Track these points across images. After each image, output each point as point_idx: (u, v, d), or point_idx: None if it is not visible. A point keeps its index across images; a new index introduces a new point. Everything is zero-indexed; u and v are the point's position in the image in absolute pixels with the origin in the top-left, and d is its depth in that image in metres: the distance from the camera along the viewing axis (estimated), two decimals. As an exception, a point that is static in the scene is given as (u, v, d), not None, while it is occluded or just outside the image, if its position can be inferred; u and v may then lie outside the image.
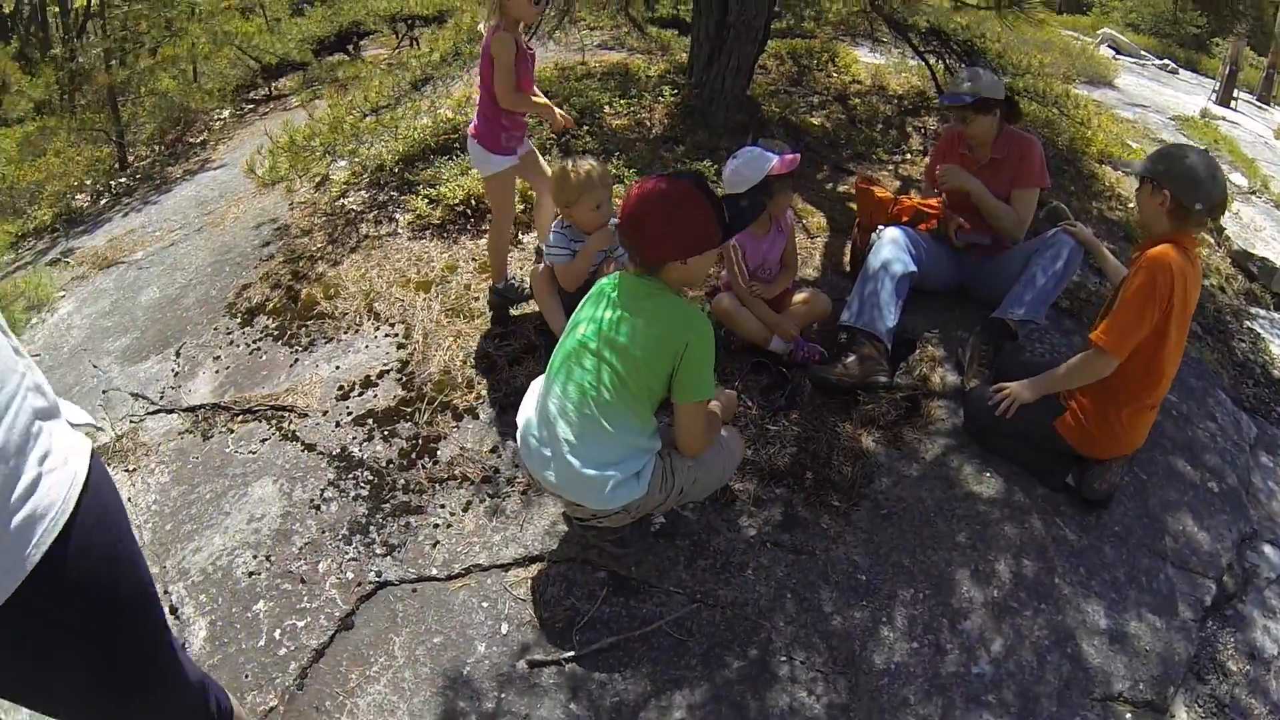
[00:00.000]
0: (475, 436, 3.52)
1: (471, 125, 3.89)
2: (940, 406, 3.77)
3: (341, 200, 5.21)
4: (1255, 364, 4.83)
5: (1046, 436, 3.35)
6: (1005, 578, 3.07)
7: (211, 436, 3.71)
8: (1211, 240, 6.06)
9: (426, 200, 4.88)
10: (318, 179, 5.48)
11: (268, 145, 4.90)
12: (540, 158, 4.19)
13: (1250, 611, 3.25)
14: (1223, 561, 3.34)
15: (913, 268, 3.96)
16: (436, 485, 3.32)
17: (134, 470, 3.61)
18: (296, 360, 4.02)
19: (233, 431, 3.70)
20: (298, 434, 3.61)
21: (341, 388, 3.80)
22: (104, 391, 4.13)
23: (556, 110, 3.92)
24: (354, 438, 3.55)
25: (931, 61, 6.81)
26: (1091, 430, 3.23)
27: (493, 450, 3.45)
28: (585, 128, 5.47)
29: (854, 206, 4.92)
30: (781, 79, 7.02)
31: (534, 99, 3.82)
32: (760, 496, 3.29)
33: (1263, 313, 5.56)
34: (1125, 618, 3.02)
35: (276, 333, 4.21)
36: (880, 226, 4.22)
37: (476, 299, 4.21)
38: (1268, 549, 3.53)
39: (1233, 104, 11.36)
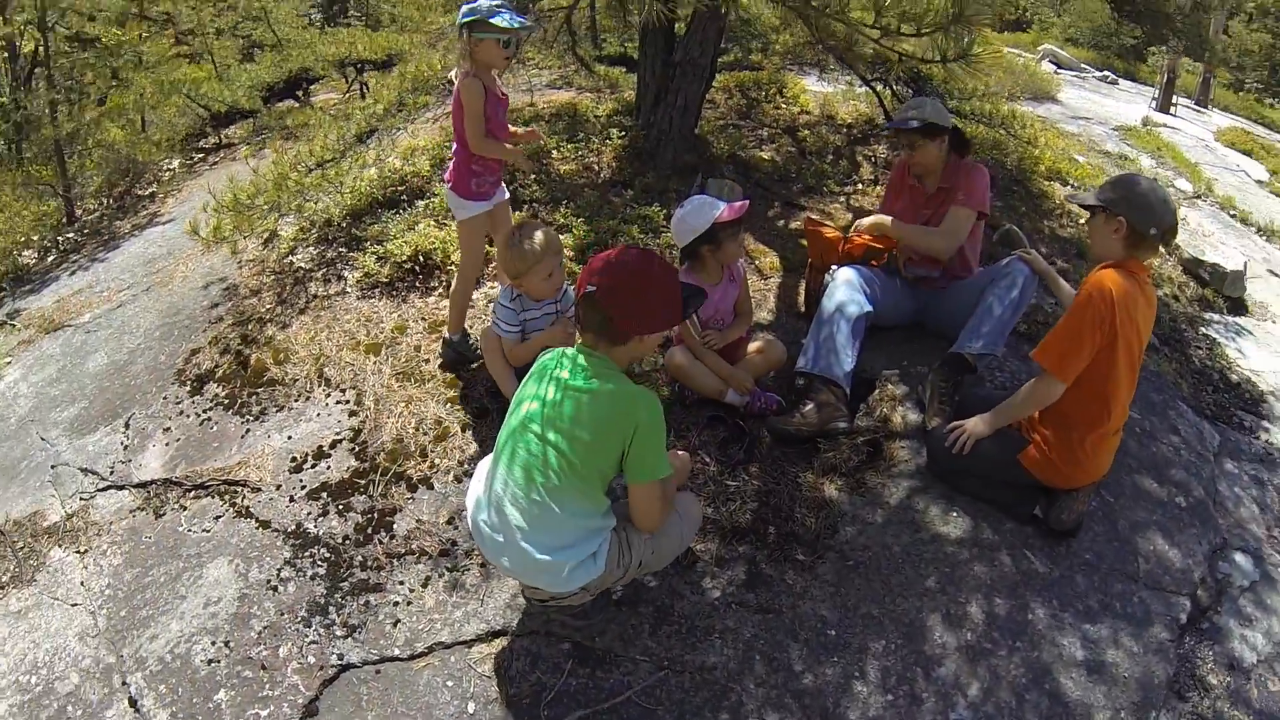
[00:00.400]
0: (431, 508, 3.46)
1: (446, 171, 3.88)
2: (902, 447, 3.74)
3: (290, 258, 5.14)
4: (1213, 370, 4.89)
5: (1012, 471, 3.32)
6: (978, 619, 3.05)
7: (164, 514, 3.61)
8: (1162, 250, 6.11)
9: (375, 257, 4.82)
10: (265, 235, 5.40)
11: (211, 204, 4.81)
12: (509, 211, 4.16)
13: (1226, 622, 3.27)
14: (1195, 576, 3.36)
15: (868, 307, 3.94)
16: (394, 561, 3.26)
17: (85, 552, 3.52)
18: (248, 430, 3.94)
19: (185, 509, 3.61)
20: (251, 510, 3.53)
21: (294, 459, 3.72)
22: (53, 466, 4.02)
23: (519, 152, 3.88)
24: (309, 513, 3.48)
25: (879, 89, 6.86)
26: (1056, 461, 3.22)
27: (449, 522, 3.39)
28: (533, 175, 5.43)
29: (803, 243, 4.91)
30: (730, 112, 7.03)
31: (505, 145, 3.79)
32: (723, 556, 3.25)
33: (1216, 317, 5.65)
34: (1102, 646, 3.01)
35: (227, 401, 4.13)
36: (834, 266, 4.21)
37: (427, 360, 4.15)
38: (1239, 557, 3.56)
39: (1172, 110, 11.60)
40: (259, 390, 4.13)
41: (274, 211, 4.90)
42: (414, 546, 3.31)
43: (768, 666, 2.88)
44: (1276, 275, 6.49)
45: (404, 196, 5.41)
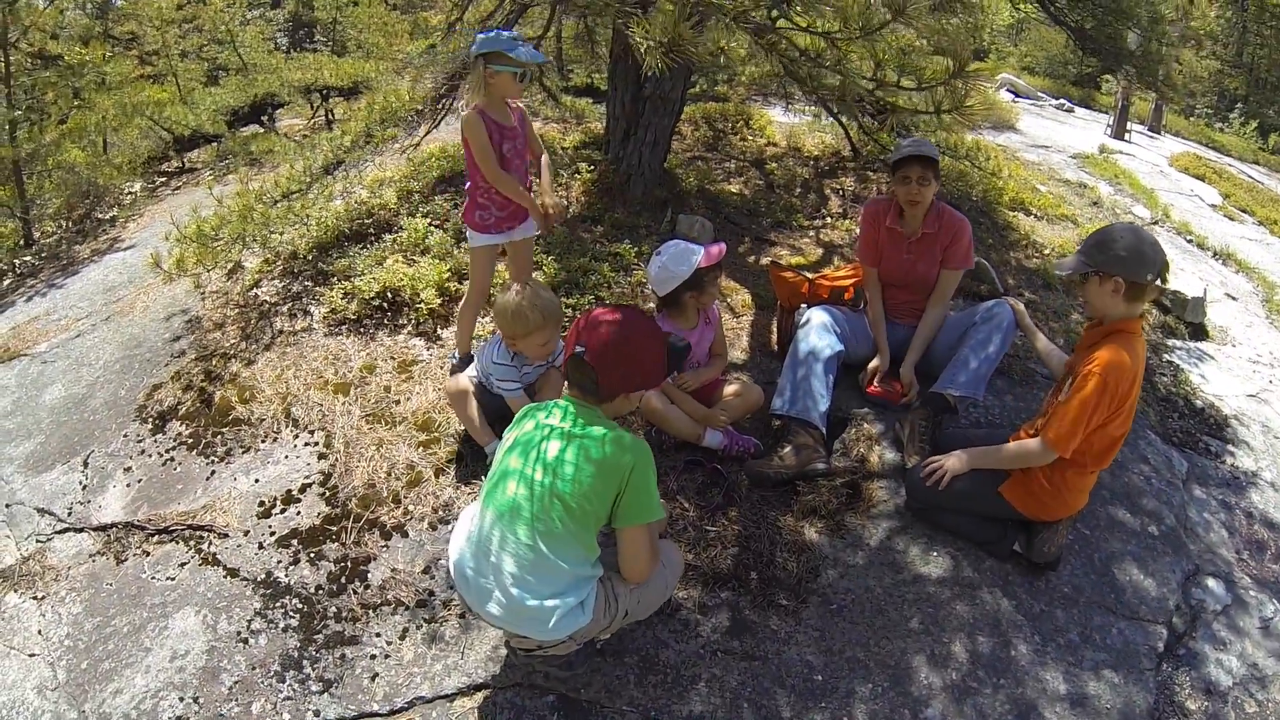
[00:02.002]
0: (406, 556, 3.37)
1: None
2: (881, 487, 3.73)
3: (254, 291, 5.03)
4: (1178, 396, 4.90)
5: (992, 504, 3.31)
6: (962, 658, 3.04)
7: (125, 559, 3.48)
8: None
9: (341, 293, 4.73)
10: (229, 266, 5.28)
11: (174, 234, 4.69)
12: (528, 251, 4.17)
13: (1201, 647, 3.29)
14: (1170, 604, 3.39)
15: (839, 347, 3.93)
16: (370, 612, 3.16)
17: (43, 598, 3.38)
18: (213, 472, 3.82)
19: (148, 554, 3.48)
20: (219, 557, 3.41)
21: (263, 504, 3.61)
22: (6, 505, 3.87)
23: (538, 204, 3.85)
24: (279, 561, 3.37)
25: (845, 122, 6.88)
26: (1039, 494, 3.22)
27: (425, 571, 3.31)
28: (545, 235, 5.37)
29: (771, 279, 4.91)
30: (697, 144, 7.04)
31: (518, 187, 3.78)
32: (705, 603, 3.20)
33: (1179, 343, 5.66)
34: (1083, 679, 3.02)
35: (191, 441, 4.00)
36: (803, 305, 4.21)
37: (397, 402, 4.06)
38: (1211, 582, 3.58)
39: (1127, 136, 11.80)
40: (224, 430, 4.01)
41: (238, 244, 4.79)
42: (390, 597, 3.21)
43: (756, 715, 2.84)
44: (1234, 299, 6.55)
45: (371, 230, 5.34)
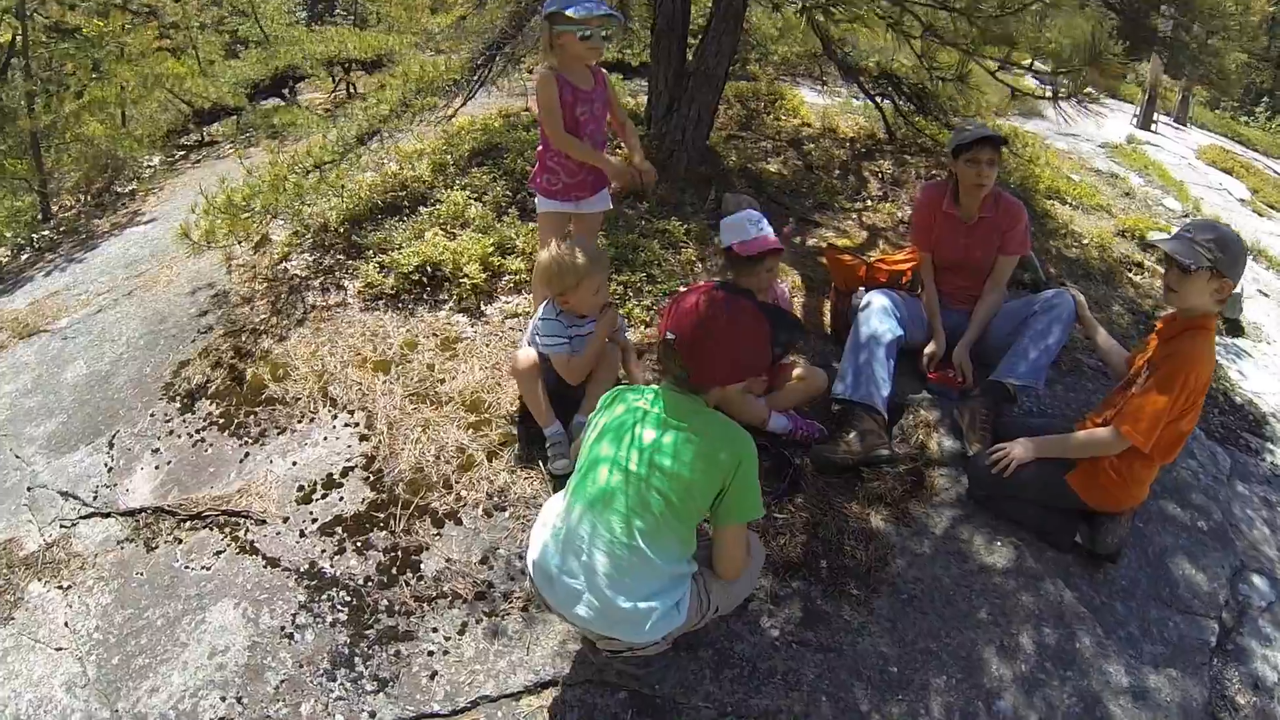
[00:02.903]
0: (461, 546, 3.11)
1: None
2: (942, 475, 3.59)
3: (284, 264, 4.74)
4: (1218, 392, 4.77)
5: (1057, 493, 3.22)
6: (1030, 650, 2.96)
7: (156, 547, 3.22)
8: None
9: (377, 267, 4.46)
10: (256, 239, 5.00)
11: (202, 205, 4.40)
12: (594, 234, 3.97)
13: (1249, 643, 3.23)
14: (1220, 599, 3.33)
15: (900, 331, 3.80)
16: (425, 605, 2.91)
17: (69, 588, 3.12)
18: (247, 454, 3.55)
19: (181, 541, 3.22)
20: (257, 546, 3.15)
21: (302, 488, 3.34)
22: (29, 489, 3.60)
23: (613, 161, 3.65)
24: (323, 550, 3.11)
25: (882, 104, 6.63)
26: (1105, 484, 3.13)
27: (483, 561, 3.06)
28: (629, 195, 5.12)
29: (824, 262, 4.73)
30: (730, 123, 6.76)
31: (590, 149, 3.58)
32: (777, 593, 3.03)
33: (1216, 340, 5.44)
34: (1144, 672, 2.98)
35: (222, 421, 3.73)
36: (860, 289, 4.09)
37: (442, 381, 3.79)
38: (1256, 579, 3.51)
39: (1153, 127, 11.52)
40: (257, 409, 3.74)
41: (268, 214, 4.51)
42: (445, 589, 2.96)
43: (834, 707, 2.70)
44: (1266, 295, 6.37)
45: (405, 203, 5.05)
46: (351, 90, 8.11)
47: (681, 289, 2.43)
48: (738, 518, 2.33)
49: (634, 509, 2.23)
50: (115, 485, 3.53)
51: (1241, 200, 8.98)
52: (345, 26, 9.53)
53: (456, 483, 3.33)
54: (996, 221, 3.92)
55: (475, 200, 5.03)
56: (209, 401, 3.85)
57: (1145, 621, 3.15)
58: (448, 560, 3.06)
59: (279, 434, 3.62)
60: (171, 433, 3.73)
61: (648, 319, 4.22)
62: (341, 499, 3.29)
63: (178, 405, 3.87)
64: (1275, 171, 10.92)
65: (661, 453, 2.23)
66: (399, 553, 3.08)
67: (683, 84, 5.29)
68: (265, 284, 4.62)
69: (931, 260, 4.10)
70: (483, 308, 4.26)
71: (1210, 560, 3.47)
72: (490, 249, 4.48)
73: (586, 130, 3.58)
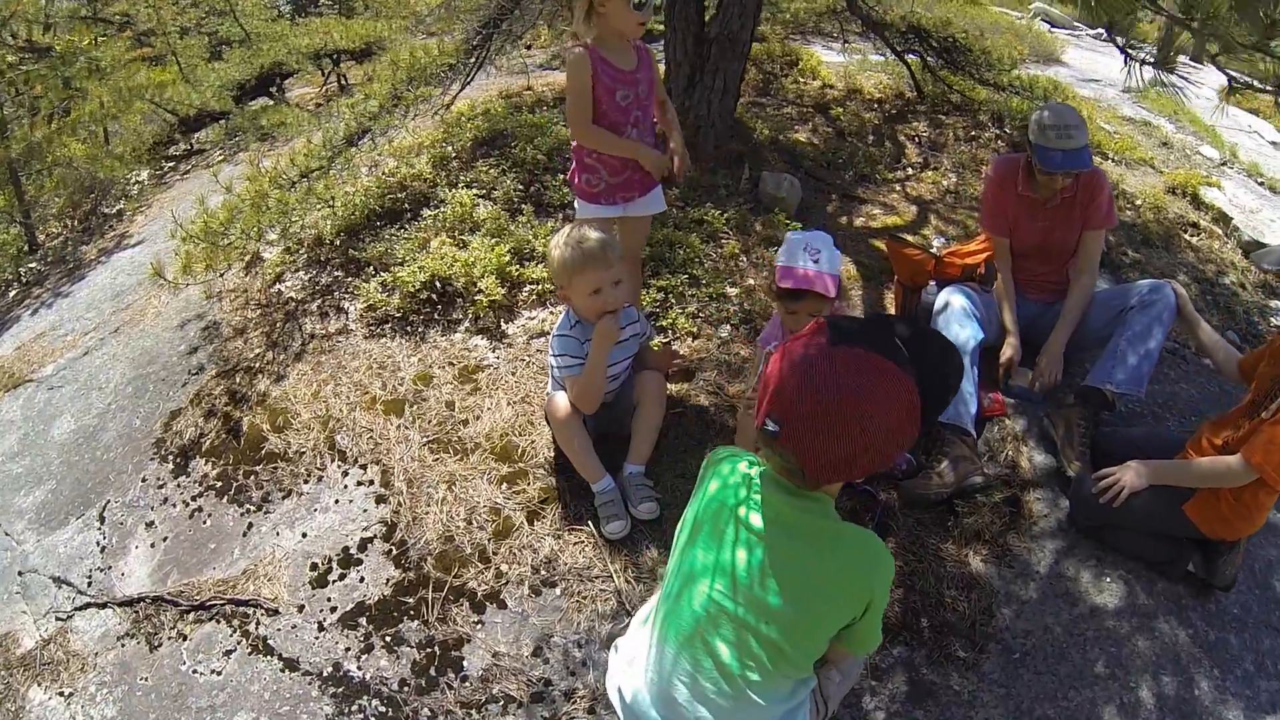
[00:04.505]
0: (509, 635, 2.55)
1: None
2: (1038, 499, 3.05)
3: (277, 286, 4.14)
4: None
5: (1173, 523, 2.77)
6: (1150, 704, 2.57)
7: (159, 644, 2.70)
8: (1220, 231, 5.36)
9: (380, 285, 3.85)
10: (247, 258, 4.39)
11: (179, 233, 3.79)
12: (642, 239, 3.44)
13: None
14: None
15: (981, 335, 3.27)
16: (473, 713, 2.36)
17: (70, 695, 2.63)
18: (250, 525, 2.99)
19: (186, 638, 2.69)
20: (271, 644, 2.60)
21: (315, 566, 2.78)
22: (19, 574, 3.09)
23: (650, 152, 3.00)
24: (347, 648, 2.55)
25: (910, 60, 5.95)
26: (1225, 513, 2.69)
27: (536, 653, 2.50)
28: (561, 176, 4.46)
29: (879, 245, 4.17)
30: (747, 89, 6.05)
31: (617, 139, 2.93)
32: (878, 665, 2.51)
33: None
34: (1263, 714, 2.63)
35: (219, 485, 3.16)
36: (931, 284, 3.59)
37: (465, 423, 3.20)
38: None
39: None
40: (257, 468, 3.16)
41: (253, 238, 3.91)
42: (495, 691, 2.41)
43: None
44: None
45: (406, 206, 4.42)
46: (343, 82, 7.44)
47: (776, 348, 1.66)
48: (860, 649, 1.80)
49: (742, 658, 1.63)
50: (110, 568, 3.00)
51: (1273, 143, 8.26)
52: (331, 16, 8.80)
53: (494, 554, 2.75)
54: (1076, 195, 3.34)
55: (483, 198, 4.39)
56: (204, 460, 3.28)
57: (1259, 654, 2.77)
58: (494, 654, 2.50)
59: (284, 498, 3.05)
60: (165, 500, 3.18)
61: (695, 329, 3.62)
62: (362, 580, 2.72)
63: (170, 467, 3.31)
64: (1298, 106, 10.15)
65: (769, 589, 1.61)
66: (436, 648, 2.52)
67: (703, 51, 4.62)
68: (258, 311, 4.03)
69: (1008, 246, 3.50)
70: (503, 327, 3.66)
71: (1315, 572, 3.01)
72: (507, 257, 3.86)
73: (632, 119, 2.97)
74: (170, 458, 3.34)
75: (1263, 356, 2.81)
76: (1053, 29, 10.50)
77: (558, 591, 2.67)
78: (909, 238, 4.21)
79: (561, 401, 2.79)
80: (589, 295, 2.68)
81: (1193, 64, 11.86)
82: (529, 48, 7.33)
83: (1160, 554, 2.88)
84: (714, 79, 4.62)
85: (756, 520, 1.64)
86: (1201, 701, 2.61)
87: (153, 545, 3.02)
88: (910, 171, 5.18)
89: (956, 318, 3.25)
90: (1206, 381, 3.80)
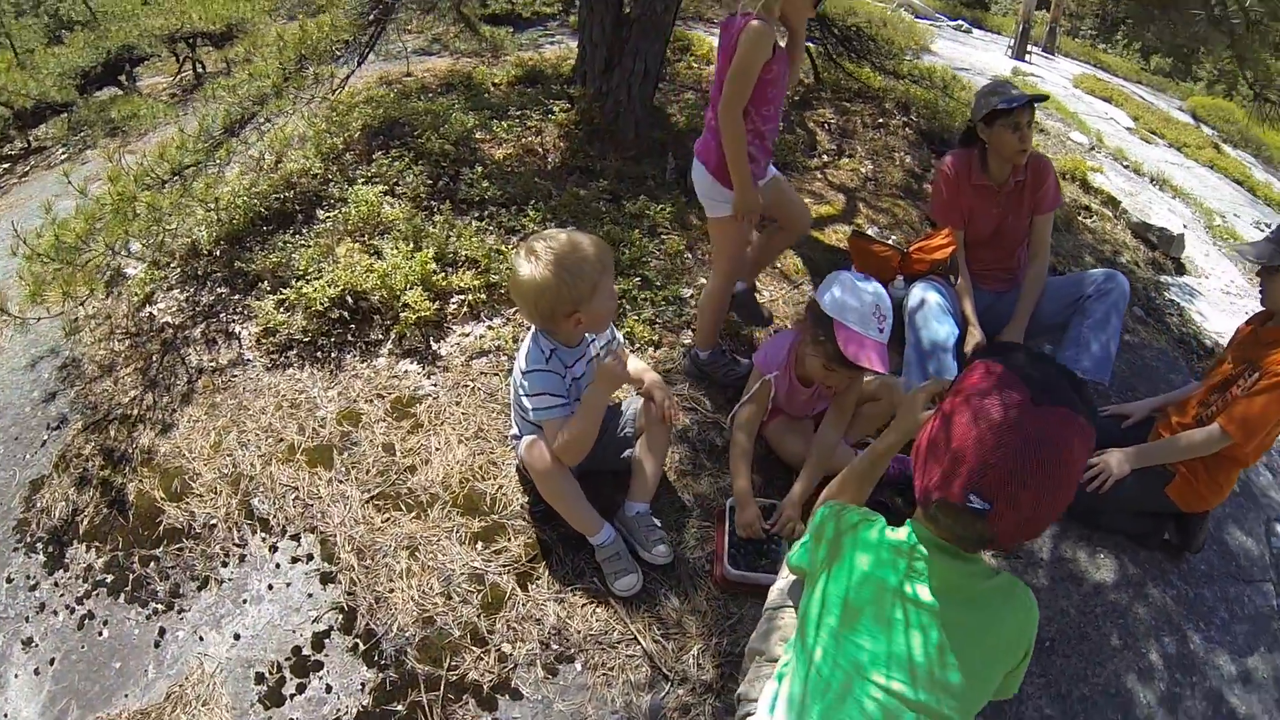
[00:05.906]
0: (529, 734, 2.00)
1: (699, 141, 2.77)
2: None
3: (148, 309, 3.38)
4: (1190, 336, 4.47)
5: (1155, 503, 2.93)
6: (1160, 666, 2.64)
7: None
8: (1110, 214, 5.42)
9: (276, 304, 3.17)
10: (106, 276, 3.57)
11: (22, 251, 2.96)
12: (787, 186, 3.09)
13: None
14: (1267, 559, 3.19)
15: (957, 330, 3.17)
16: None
17: None
18: (161, 632, 2.29)
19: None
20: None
21: (262, 679, 2.13)
22: None
23: (748, 196, 2.67)
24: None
25: (809, 48, 5.62)
26: (1201, 489, 2.86)
27: (568, 751, 1.97)
28: (478, 168, 3.85)
29: (818, 236, 4.00)
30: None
31: (742, 153, 2.57)
32: None
33: (1170, 280, 5.16)
34: (1243, 656, 2.77)
35: (111, 579, 2.43)
36: (899, 281, 3.47)
37: (412, 470, 2.59)
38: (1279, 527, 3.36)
39: (1028, 58, 11.06)
40: (156, 551, 2.45)
41: (119, 252, 3.15)
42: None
43: None
44: (1185, 227, 5.88)
45: (296, 207, 3.72)
46: (199, 70, 6.45)
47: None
48: (1007, 693, 1.62)
49: None
50: (-16, 709, 2.24)
51: (1128, 129, 8.54)
52: (189, -8, 7.67)
53: (490, 633, 2.18)
54: (1026, 181, 3.31)
55: (389, 195, 3.74)
56: (84, 546, 2.54)
57: (1229, 602, 2.93)
58: (523, 758, 1.95)
59: (199, 588, 2.37)
60: (43, 607, 2.43)
61: (655, 337, 3.17)
62: (329, 689, 2.09)
63: (41, 559, 2.55)
64: (1140, 97, 10.60)
65: (949, 665, 1.42)
66: (449, 766, 1.94)
67: (622, 33, 4.12)
68: (127, 342, 3.27)
69: (963, 237, 3.42)
70: (434, 346, 3.07)
71: (1248, 520, 3.28)
72: (432, 265, 3.25)
73: (774, 100, 2.63)
74: (40, 546, 2.58)
75: (1224, 358, 2.93)
76: (917, 19, 10.53)
77: (578, 667, 2.18)
78: (871, 233, 4.00)
79: (541, 450, 2.25)
80: (610, 299, 2.24)
81: (1045, 54, 12.24)
82: (410, 30, 6.58)
83: (1140, 527, 3.01)
84: (634, 62, 4.14)
85: (925, 594, 1.45)
86: (1197, 654, 2.70)
87: (37, 672, 2.28)
88: (827, 159, 4.88)
89: (934, 314, 3.13)
90: (1145, 367, 3.93)
